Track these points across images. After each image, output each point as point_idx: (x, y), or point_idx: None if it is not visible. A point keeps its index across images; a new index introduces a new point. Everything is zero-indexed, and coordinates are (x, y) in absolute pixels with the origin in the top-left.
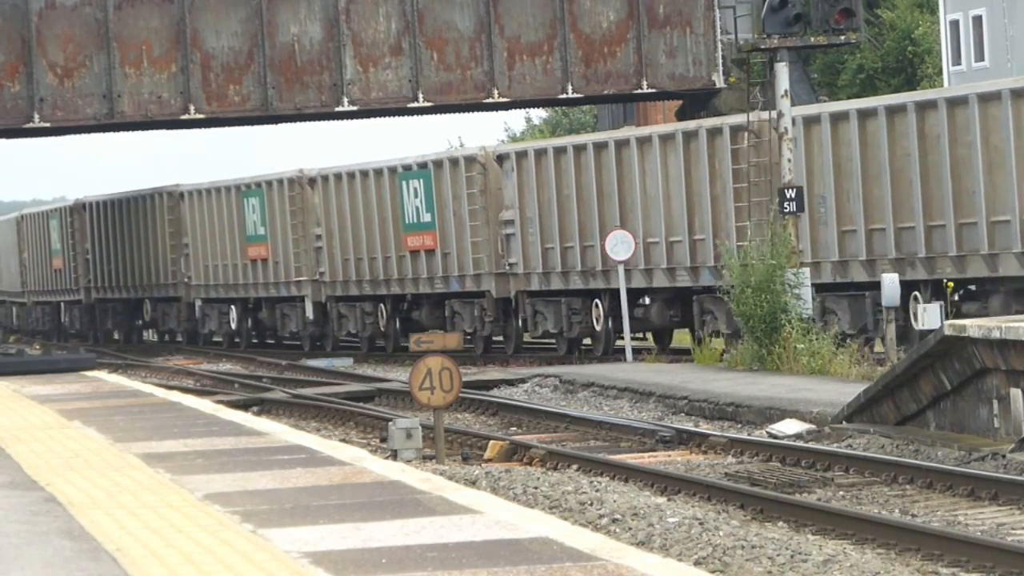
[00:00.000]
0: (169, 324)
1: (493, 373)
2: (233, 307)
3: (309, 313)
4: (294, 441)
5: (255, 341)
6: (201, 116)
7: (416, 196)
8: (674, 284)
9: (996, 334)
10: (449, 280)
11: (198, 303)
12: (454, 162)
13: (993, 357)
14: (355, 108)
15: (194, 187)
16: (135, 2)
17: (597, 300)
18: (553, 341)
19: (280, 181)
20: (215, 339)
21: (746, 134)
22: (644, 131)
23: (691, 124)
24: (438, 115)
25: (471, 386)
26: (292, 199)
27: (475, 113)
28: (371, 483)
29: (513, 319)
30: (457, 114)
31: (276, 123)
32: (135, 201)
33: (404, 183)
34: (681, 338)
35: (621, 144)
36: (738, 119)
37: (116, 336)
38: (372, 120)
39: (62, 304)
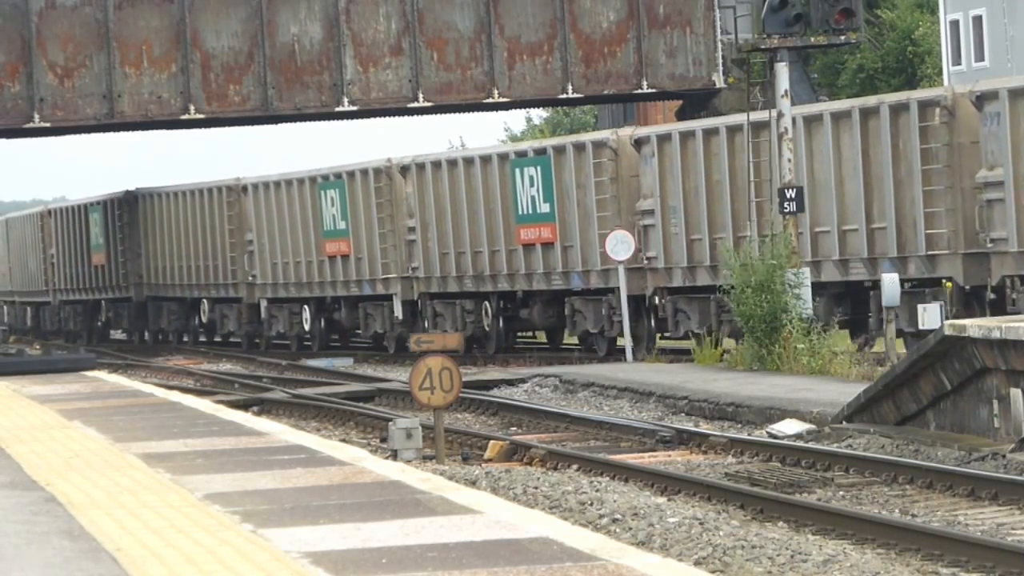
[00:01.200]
0: (229, 326)
1: (493, 373)
2: (306, 307)
3: (398, 312)
4: (294, 441)
5: (334, 343)
6: (201, 116)
7: (532, 185)
8: (846, 278)
9: (996, 334)
10: (570, 276)
11: (263, 303)
12: (579, 147)
13: (993, 357)
14: (355, 108)
15: (259, 179)
16: (135, 2)
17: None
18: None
19: (364, 171)
20: (282, 342)
21: (937, 110)
22: (813, 109)
23: (871, 100)
24: (438, 115)
25: (471, 386)
26: (379, 190)
27: (475, 113)
28: (371, 483)
29: (645, 319)
30: (457, 114)
31: (276, 123)
32: (192, 195)
33: (517, 171)
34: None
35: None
36: (931, 93)
37: (169, 338)
38: (372, 120)
39: (103, 302)
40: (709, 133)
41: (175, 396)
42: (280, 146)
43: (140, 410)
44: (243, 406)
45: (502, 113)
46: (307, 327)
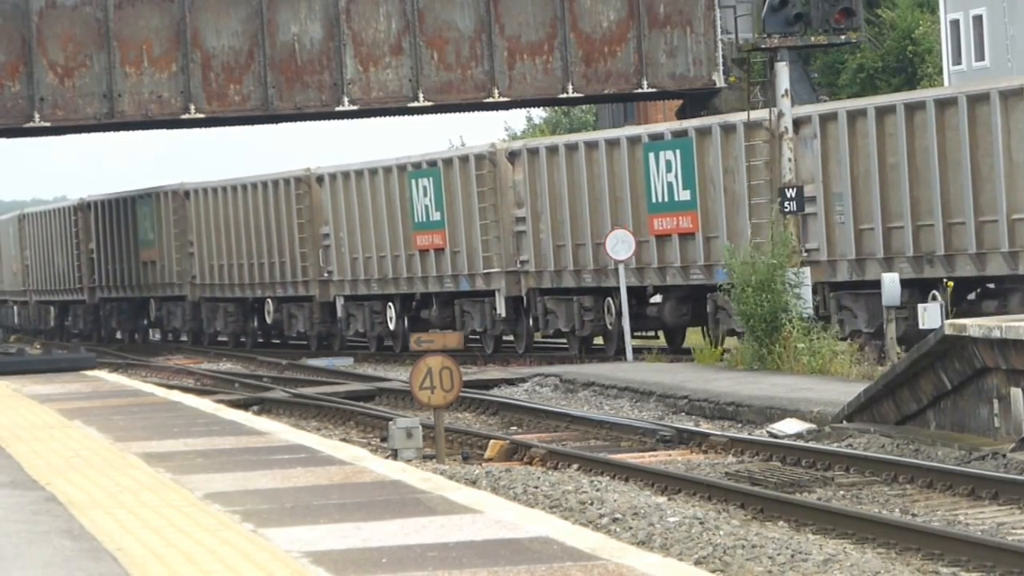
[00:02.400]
0: (297, 326)
1: (493, 372)
2: (391, 305)
3: (500, 309)
4: (294, 440)
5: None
6: (201, 116)
7: (669, 170)
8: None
9: (996, 334)
10: (713, 270)
11: (340, 301)
12: (728, 129)
13: (993, 357)
14: (355, 108)
15: (336, 169)
16: (135, 2)
17: (935, 291)
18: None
19: (464, 158)
20: (359, 342)
21: None
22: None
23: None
24: (438, 115)
25: (471, 385)
26: (481, 178)
27: (475, 113)
28: (371, 483)
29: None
30: (457, 114)
31: (276, 123)
32: (255, 188)
33: (651, 155)
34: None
35: (976, 100)
36: None
37: (224, 339)
38: (372, 120)
39: (152, 301)
40: (883, 112)
41: (175, 395)
42: (279, 146)
43: (140, 409)
44: (243, 405)
45: (502, 113)
46: (391, 326)
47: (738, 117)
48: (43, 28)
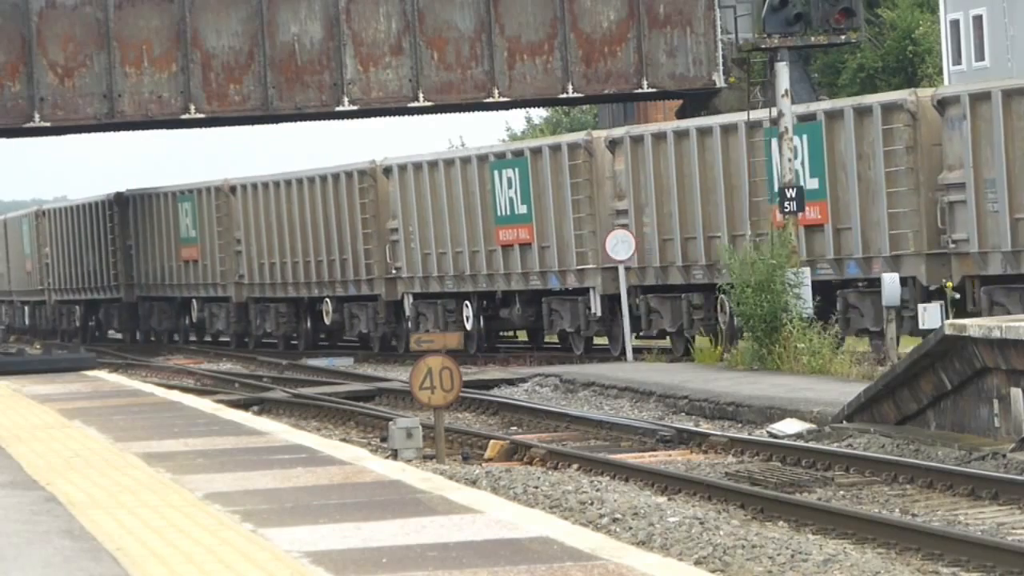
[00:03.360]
0: (360, 327)
1: (493, 373)
2: (468, 303)
3: (596, 308)
4: (294, 441)
5: (500, 345)
6: (201, 116)
7: (796, 156)
8: None
9: (996, 334)
10: (844, 264)
11: (409, 299)
12: (862, 111)
13: (993, 357)
14: (355, 108)
15: (405, 160)
16: (135, 2)
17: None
18: None
19: (556, 147)
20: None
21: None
22: None
23: None
24: (438, 115)
25: (471, 386)
26: (575, 168)
27: (475, 113)
28: (371, 483)
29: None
30: (457, 114)
31: (276, 123)
32: (311, 182)
33: (774, 141)
34: None
35: None
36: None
37: (273, 341)
38: (372, 120)
39: (194, 301)
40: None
41: (175, 396)
42: (278, 145)
43: (140, 409)
44: (243, 405)
45: (502, 113)
46: (468, 325)
47: (875, 99)
48: (43, 28)
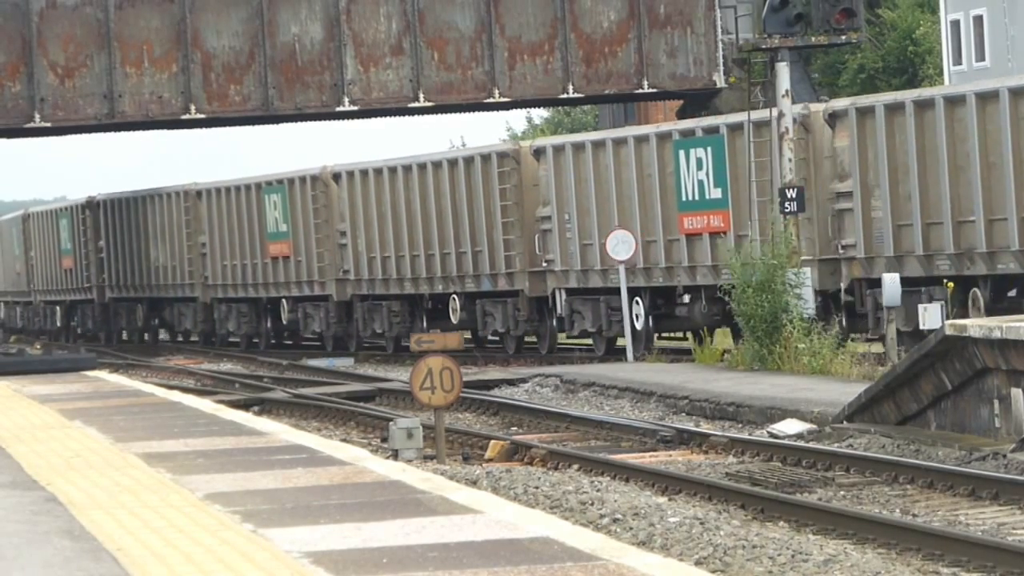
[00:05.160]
0: (495, 325)
1: (494, 373)
2: (639, 300)
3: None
4: (295, 441)
5: (671, 336)
6: (202, 116)
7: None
8: None
9: (997, 334)
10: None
11: (561, 295)
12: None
13: (994, 357)
14: (355, 108)
15: (563, 140)
16: (136, 2)
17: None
18: None
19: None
20: (577, 344)
21: None
22: None
23: None
24: (439, 115)
25: (472, 386)
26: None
27: (476, 113)
28: (372, 483)
29: None
30: (457, 114)
31: (277, 123)
32: (437, 166)
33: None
34: None
35: None
36: None
37: (382, 343)
38: (373, 120)
39: (284, 301)
40: None
41: (176, 396)
42: (281, 145)
43: (141, 410)
44: (244, 406)
45: (503, 113)
46: (638, 325)
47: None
48: (43, 28)
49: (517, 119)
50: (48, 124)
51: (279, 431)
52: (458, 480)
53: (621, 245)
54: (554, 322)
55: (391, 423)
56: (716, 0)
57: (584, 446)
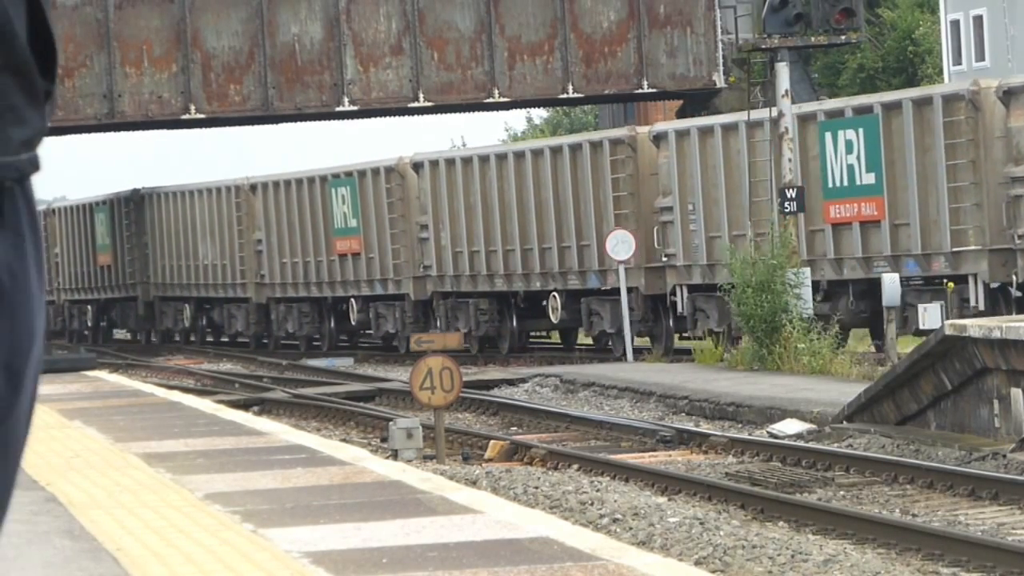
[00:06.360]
0: (603, 325)
1: (494, 373)
2: None
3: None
4: (295, 441)
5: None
6: (202, 116)
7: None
8: None
9: (997, 334)
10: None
11: (683, 292)
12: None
13: (994, 357)
14: (355, 108)
15: (687, 124)
16: (136, 2)
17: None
18: None
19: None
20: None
21: None
22: None
23: None
24: (439, 115)
25: (472, 386)
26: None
27: (476, 113)
28: (372, 483)
29: None
30: (457, 114)
31: (276, 123)
32: (537, 154)
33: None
34: None
35: None
36: None
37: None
38: (372, 120)
39: (353, 301)
40: None
41: (176, 396)
42: (283, 145)
43: (141, 410)
44: (243, 406)
45: (503, 113)
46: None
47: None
48: None
49: (517, 119)
50: (48, 124)
51: (279, 431)
52: (458, 480)
53: (620, 245)
54: (671, 322)
55: (391, 423)
56: (716, 0)
57: (584, 446)
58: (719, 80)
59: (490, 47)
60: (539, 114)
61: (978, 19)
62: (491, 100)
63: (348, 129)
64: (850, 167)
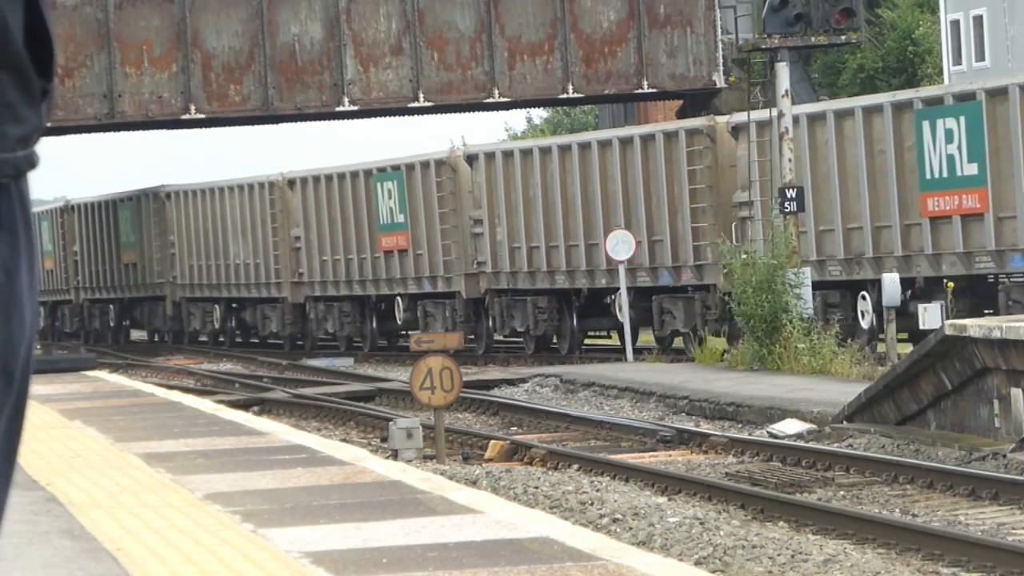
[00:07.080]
0: (675, 325)
1: (494, 373)
2: (865, 296)
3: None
4: (295, 441)
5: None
6: (202, 116)
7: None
8: None
9: (997, 334)
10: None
11: None
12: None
13: (994, 357)
14: (355, 108)
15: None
16: (136, 2)
17: None
18: None
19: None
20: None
21: None
22: None
23: None
24: (438, 115)
25: (472, 386)
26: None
27: (476, 113)
28: (372, 483)
29: None
30: (457, 114)
31: (276, 123)
32: (604, 145)
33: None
34: None
35: None
36: None
37: (517, 341)
38: (372, 120)
39: (399, 299)
40: None
41: (176, 396)
42: (284, 146)
43: (141, 410)
44: (243, 406)
45: (503, 113)
46: (863, 324)
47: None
48: None
49: (517, 119)
50: (48, 124)
51: (279, 431)
52: (458, 480)
53: (620, 245)
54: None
55: (391, 423)
56: (716, 0)
57: (584, 446)
58: (719, 80)
59: (490, 47)
60: (539, 114)
61: (978, 19)
62: (491, 100)
63: (348, 129)
64: (951, 156)
